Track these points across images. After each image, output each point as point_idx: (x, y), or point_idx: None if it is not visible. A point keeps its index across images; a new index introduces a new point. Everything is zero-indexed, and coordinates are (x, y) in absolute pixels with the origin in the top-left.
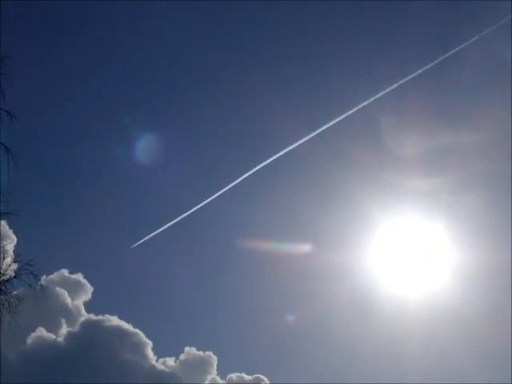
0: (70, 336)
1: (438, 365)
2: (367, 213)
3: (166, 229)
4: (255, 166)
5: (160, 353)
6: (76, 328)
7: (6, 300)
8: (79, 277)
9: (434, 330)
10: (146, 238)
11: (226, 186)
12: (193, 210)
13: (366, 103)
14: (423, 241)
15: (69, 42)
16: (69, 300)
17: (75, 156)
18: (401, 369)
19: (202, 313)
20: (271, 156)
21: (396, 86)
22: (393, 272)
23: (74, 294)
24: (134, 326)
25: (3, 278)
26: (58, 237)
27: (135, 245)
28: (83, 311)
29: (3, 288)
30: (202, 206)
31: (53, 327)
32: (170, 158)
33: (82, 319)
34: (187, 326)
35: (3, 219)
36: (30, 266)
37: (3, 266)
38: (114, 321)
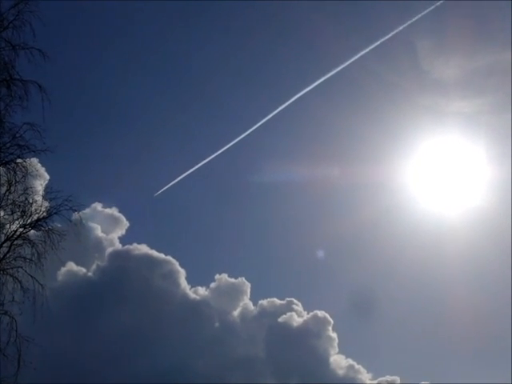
0: (99, 269)
1: (477, 282)
2: (406, 135)
3: (201, 165)
4: (296, 94)
5: (194, 282)
6: (105, 260)
7: (48, 236)
8: (113, 211)
9: (471, 248)
10: (182, 176)
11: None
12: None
13: (401, 28)
14: (462, 161)
15: None
16: (102, 234)
17: (109, 94)
18: (438, 289)
19: (233, 240)
20: (311, 84)
21: (432, 8)
22: (431, 191)
23: (108, 229)
24: (166, 255)
25: (43, 215)
26: (91, 173)
27: (168, 184)
28: (118, 245)
29: (44, 225)
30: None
31: (85, 262)
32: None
33: (110, 250)
34: (219, 254)
35: (37, 157)
36: (68, 201)
37: (39, 204)
38: (144, 249)
